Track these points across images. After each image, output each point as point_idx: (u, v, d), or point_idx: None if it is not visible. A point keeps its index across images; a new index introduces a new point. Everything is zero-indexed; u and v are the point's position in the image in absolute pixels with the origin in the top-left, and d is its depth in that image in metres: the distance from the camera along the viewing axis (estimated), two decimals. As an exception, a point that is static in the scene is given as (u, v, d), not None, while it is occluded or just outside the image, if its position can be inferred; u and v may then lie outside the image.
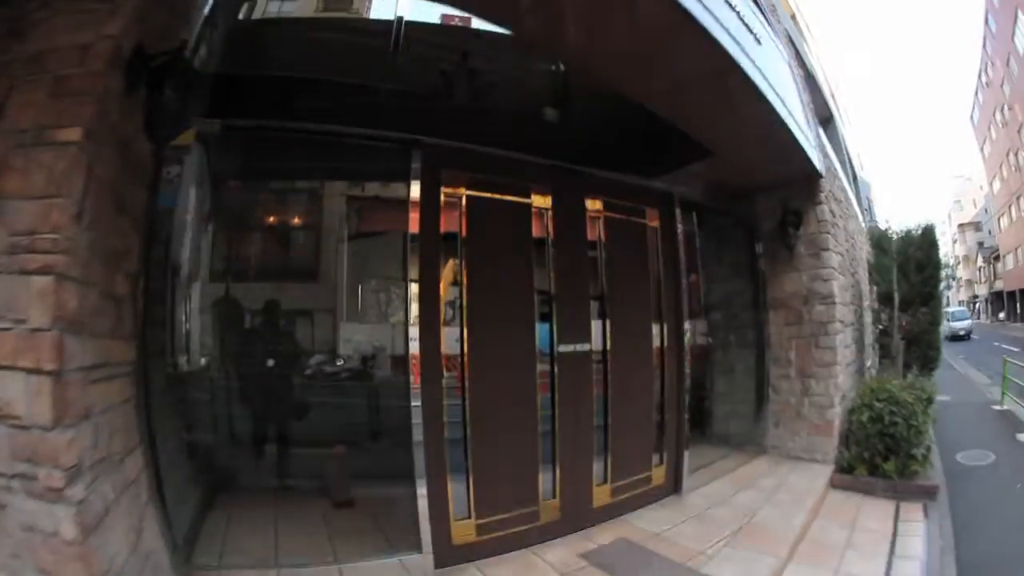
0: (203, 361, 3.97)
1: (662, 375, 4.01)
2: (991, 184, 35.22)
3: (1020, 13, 24.53)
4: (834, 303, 4.85)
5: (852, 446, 4.57)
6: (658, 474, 3.93)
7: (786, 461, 4.84)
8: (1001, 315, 35.82)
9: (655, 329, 4.00)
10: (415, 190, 2.86)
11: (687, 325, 4.12)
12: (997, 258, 36.70)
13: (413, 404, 2.74)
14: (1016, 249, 31.76)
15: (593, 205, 3.73)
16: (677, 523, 3.49)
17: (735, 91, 3.10)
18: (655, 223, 4.10)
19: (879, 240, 7.23)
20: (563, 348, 3.34)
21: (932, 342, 6.83)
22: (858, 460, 4.43)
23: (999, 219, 35.27)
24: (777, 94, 3.50)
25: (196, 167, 3.04)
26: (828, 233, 4.96)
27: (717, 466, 4.58)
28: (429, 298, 2.84)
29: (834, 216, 5.23)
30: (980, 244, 42.88)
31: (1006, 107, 29.55)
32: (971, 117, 38.80)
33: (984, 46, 32.35)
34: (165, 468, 2.23)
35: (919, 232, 7.02)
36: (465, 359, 2.97)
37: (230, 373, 4.15)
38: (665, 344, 4.01)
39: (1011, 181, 31.62)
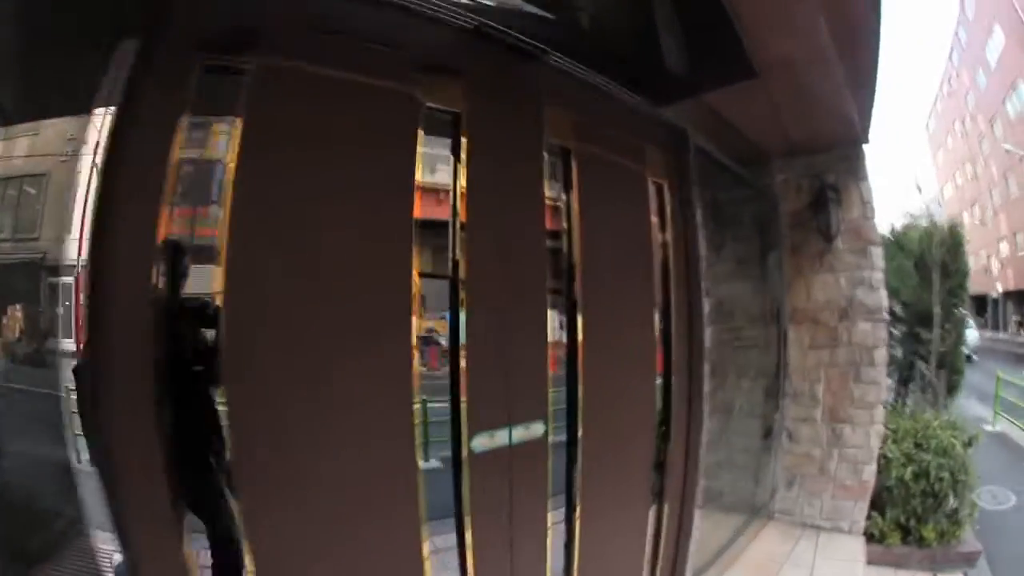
0: None
1: (663, 445, 2.48)
2: (942, 190, 36.22)
3: (997, 26, 24.58)
4: (882, 320, 3.43)
5: (888, 509, 3.56)
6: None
7: (803, 532, 3.59)
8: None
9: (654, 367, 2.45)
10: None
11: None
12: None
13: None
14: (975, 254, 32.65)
15: (557, 126, 1.98)
16: None
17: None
18: (658, 177, 2.52)
19: (898, 238, 6.04)
20: (480, 442, 1.61)
21: (955, 364, 5.68)
22: (892, 525, 3.50)
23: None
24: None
25: None
26: (874, 219, 3.53)
27: (713, 543, 3.23)
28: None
29: (873, 200, 3.81)
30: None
31: (968, 118, 30.05)
32: (927, 125, 40.18)
33: (950, 56, 32.70)
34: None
35: (944, 230, 5.84)
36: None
37: None
38: (673, 391, 2.46)
39: (966, 188, 33.02)
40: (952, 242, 5.76)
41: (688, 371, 2.58)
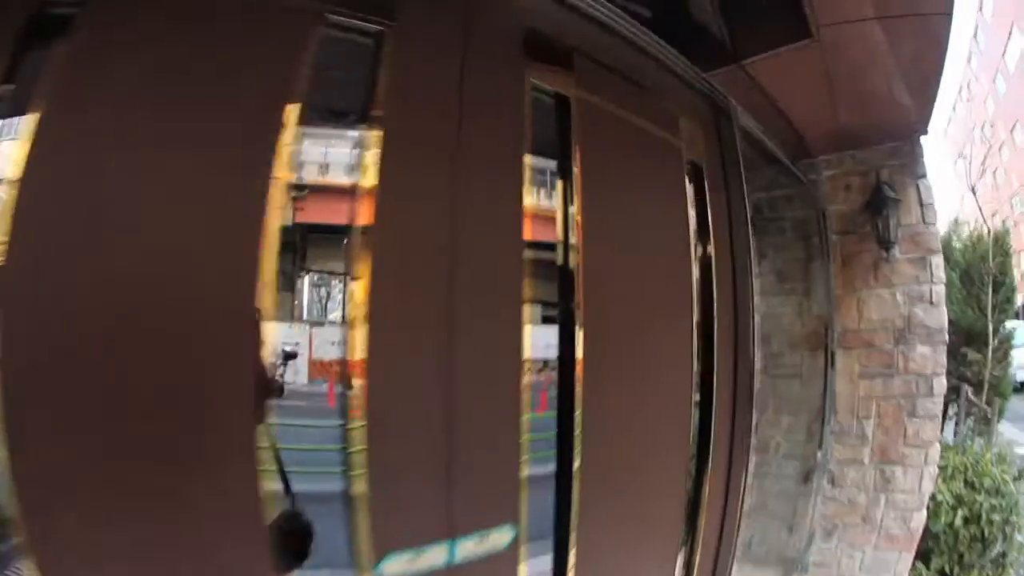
0: None
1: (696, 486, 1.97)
2: (962, 199, 35.24)
3: (1016, 30, 23.89)
4: (943, 342, 2.89)
5: (933, 557, 3.26)
6: None
7: (841, 591, 3.06)
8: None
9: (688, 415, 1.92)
10: None
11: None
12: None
13: None
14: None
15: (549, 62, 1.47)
16: None
17: None
18: (692, 150, 2.00)
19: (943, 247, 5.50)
20: (394, 569, 0.98)
21: (1001, 388, 5.15)
22: (934, 576, 3.18)
23: (971, 232, 35.76)
24: None
25: None
26: (935, 225, 2.99)
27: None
28: None
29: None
30: (949, 259, 43.39)
31: (987, 124, 29.29)
32: (946, 131, 39.33)
33: (968, 61, 31.92)
34: None
35: (990, 238, 5.28)
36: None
37: None
38: (714, 422, 1.95)
39: (985, 197, 31.53)
40: (1000, 251, 5.24)
41: (732, 399, 2.08)
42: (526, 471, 1.29)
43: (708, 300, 2.03)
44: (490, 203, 1.27)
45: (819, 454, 2.93)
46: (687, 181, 2.06)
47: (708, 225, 2.08)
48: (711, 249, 2.06)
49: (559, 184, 1.65)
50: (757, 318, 2.12)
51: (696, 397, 2.00)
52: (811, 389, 2.92)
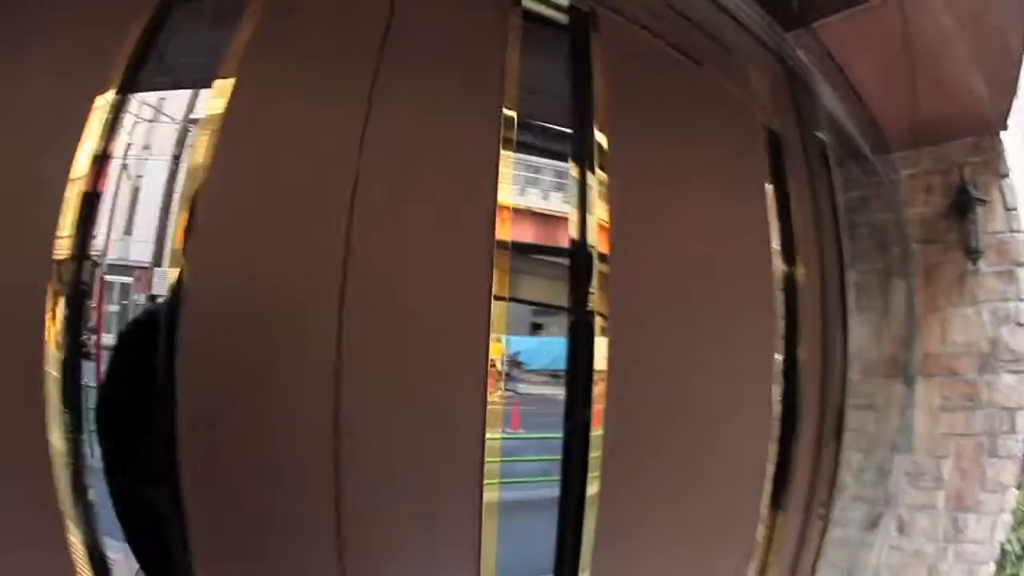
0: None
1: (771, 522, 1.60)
2: None
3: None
4: (1031, 371, 2.47)
5: None
6: None
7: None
8: None
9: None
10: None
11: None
12: None
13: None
14: None
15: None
16: None
17: None
18: (766, 114, 1.62)
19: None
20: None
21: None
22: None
23: None
24: None
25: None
26: (1022, 232, 2.59)
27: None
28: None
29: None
30: None
31: None
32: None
33: None
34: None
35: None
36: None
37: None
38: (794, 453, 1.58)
39: None
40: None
41: (817, 432, 1.66)
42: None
43: (791, 306, 1.61)
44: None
45: (887, 499, 2.49)
46: (765, 151, 1.66)
47: (788, 213, 1.66)
48: (797, 243, 1.64)
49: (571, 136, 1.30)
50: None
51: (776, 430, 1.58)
52: (886, 423, 2.48)
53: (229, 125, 1.09)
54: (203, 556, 1.01)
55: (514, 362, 1.22)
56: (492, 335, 1.16)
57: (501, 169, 1.20)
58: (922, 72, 2.20)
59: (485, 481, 1.14)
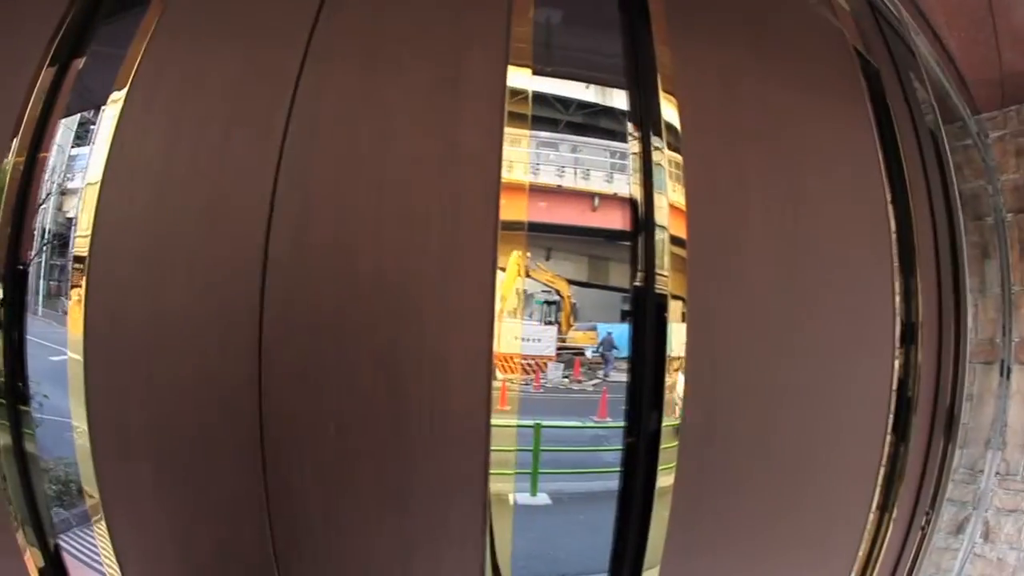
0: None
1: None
2: None
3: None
4: None
5: None
6: None
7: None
8: None
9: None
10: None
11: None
12: None
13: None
14: None
15: None
16: None
17: None
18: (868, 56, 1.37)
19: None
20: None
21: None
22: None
23: None
24: None
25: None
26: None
27: None
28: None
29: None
30: None
31: None
32: None
33: None
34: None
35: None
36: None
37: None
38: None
39: None
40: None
41: (929, 426, 1.40)
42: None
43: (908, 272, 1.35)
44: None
45: (976, 501, 2.21)
46: (863, 83, 1.40)
47: (899, 161, 1.40)
48: (909, 198, 1.38)
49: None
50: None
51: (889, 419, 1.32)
52: (982, 415, 2.20)
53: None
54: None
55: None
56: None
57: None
58: (1002, 18, 1.93)
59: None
